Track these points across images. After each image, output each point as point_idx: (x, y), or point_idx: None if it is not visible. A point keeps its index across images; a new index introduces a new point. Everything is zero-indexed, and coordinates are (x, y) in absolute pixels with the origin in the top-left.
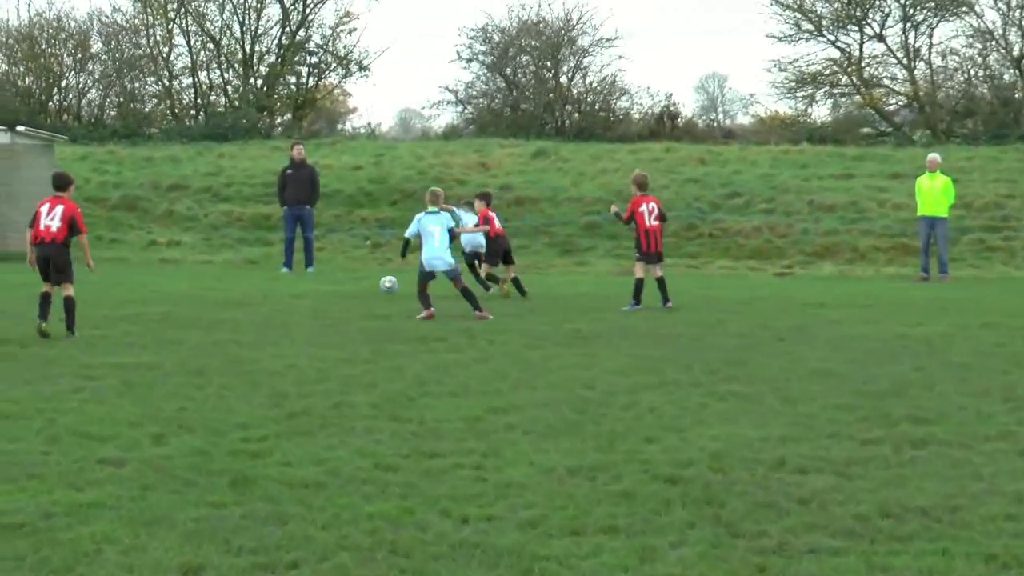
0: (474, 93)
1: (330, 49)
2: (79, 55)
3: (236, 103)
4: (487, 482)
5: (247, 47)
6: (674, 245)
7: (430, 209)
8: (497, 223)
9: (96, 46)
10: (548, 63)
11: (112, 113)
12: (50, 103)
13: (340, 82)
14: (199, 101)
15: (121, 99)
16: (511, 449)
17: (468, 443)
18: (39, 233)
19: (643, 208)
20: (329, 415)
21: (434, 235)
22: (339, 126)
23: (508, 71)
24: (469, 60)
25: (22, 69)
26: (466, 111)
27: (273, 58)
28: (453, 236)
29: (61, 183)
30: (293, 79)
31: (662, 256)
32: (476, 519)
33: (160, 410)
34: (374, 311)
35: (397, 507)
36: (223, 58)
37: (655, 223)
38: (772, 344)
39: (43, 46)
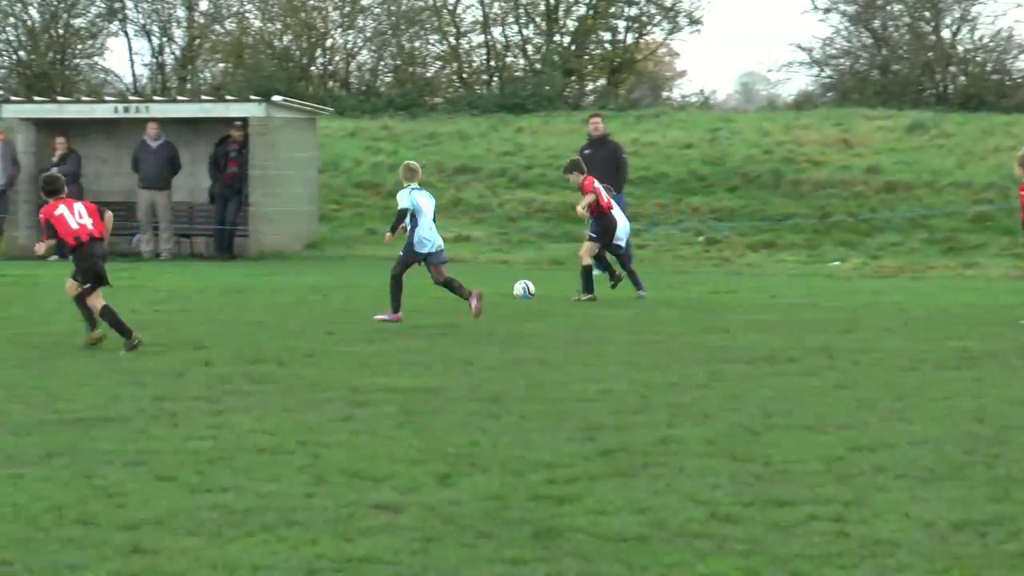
0: (833, 52)
1: None
2: (347, 8)
3: (537, 66)
4: (850, 538)
5: None
6: None
7: (414, 185)
8: (604, 195)
9: None
10: (927, 13)
11: (387, 79)
12: (312, 67)
13: (666, 39)
14: (492, 64)
15: (398, 62)
16: (880, 497)
17: (826, 489)
18: (80, 233)
19: None
20: (653, 452)
21: (426, 212)
22: (664, 94)
23: (876, 24)
24: (827, 11)
25: (279, 26)
26: (823, 74)
27: (583, 10)
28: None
29: (58, 186)
30: (607, 36)
31: None
32: None
33: (446, 444)
34: (709, 323)
35: (738, 567)
36: (522, 10)
37: None
38: None
39: None
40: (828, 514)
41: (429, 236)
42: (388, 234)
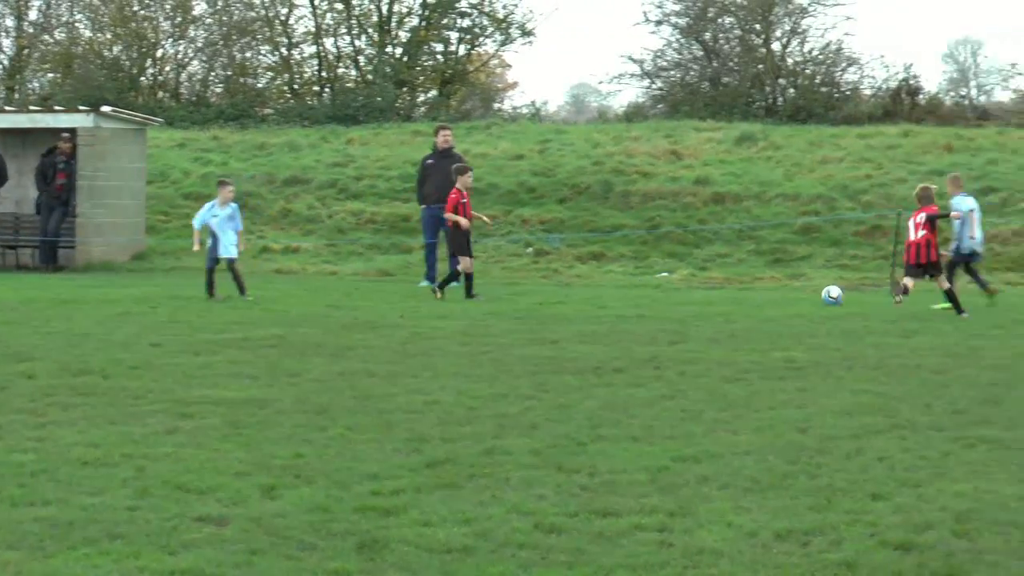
0: (664, 64)
1: (486, 10)
2: (178, 19)
3: (369, 77)
4: (673, 548)
5: (384, 7)
6: None
7: None
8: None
9: (199, 7)
10: (757, 26)
11: (217, 90)
12: (142, 78)
13: (498, 51)
14: (324, 75)
15: (229, 73)
16: (704, 507)
17: (651, 499)
18: None
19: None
20: (479, 464)
21: None
22: (496, 105)
23: (707, 36)
24: (658, 23)
25: (109, 36)
26: (654, 86)
27: (416, 21)
28: None
29: None
30: (440, 47)
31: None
32: None
33: (272, 457)
34: (538, 335)
35: None
36: (354, 21)
37: None
38: None
39: (135, 8)
40: (652, 524)
41: None
42: None
